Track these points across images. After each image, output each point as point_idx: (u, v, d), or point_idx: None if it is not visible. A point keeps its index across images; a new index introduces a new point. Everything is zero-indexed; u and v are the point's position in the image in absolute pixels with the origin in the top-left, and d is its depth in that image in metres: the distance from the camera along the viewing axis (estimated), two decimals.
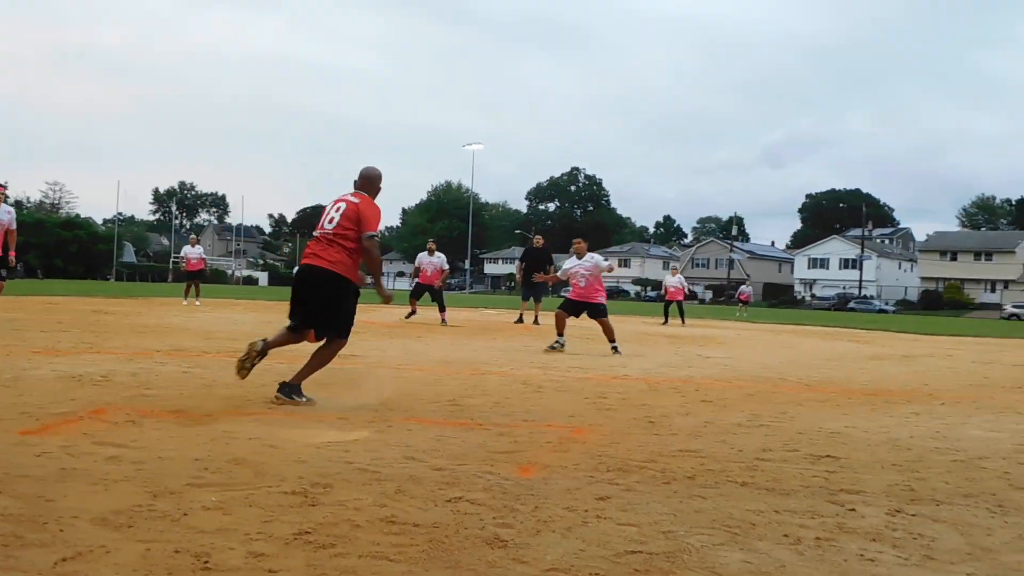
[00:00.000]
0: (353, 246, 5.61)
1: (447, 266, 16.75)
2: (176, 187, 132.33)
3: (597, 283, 11.02)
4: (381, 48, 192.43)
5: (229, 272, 75.10)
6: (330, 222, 5.71)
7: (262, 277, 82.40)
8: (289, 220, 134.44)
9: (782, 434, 5.14)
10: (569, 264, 11.17)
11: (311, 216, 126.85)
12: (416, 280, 16.70)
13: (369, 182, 5.99)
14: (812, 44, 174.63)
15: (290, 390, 5.49)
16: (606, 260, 11.61)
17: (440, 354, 9.75)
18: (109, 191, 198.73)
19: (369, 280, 5.96)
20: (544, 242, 17.93)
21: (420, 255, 16.87)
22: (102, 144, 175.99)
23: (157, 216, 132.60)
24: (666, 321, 22.04)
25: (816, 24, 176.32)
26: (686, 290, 24.00)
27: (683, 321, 21.82)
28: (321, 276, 5.57)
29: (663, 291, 23.68)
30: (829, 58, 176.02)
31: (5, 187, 11.43)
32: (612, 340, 10.78)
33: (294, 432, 4.51)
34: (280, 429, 4.58)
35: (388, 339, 11.75)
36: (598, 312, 10.90)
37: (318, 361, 5.73)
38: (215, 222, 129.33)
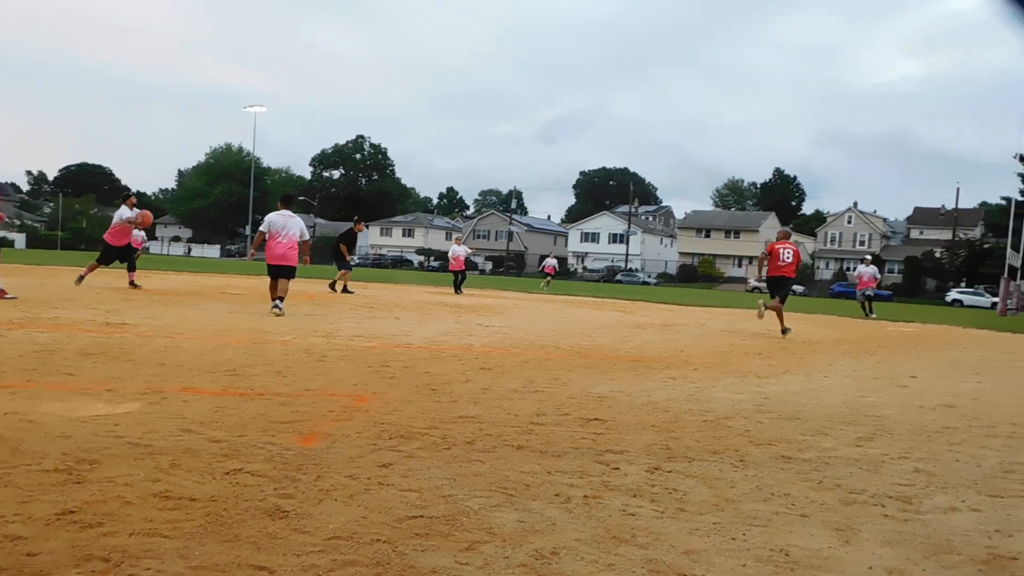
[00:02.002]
0: (797, 264, 12.77)
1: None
2: None
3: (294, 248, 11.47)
4: (155, 1, 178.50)
5: None
6: (787, 258, 12.55)
7: (19, 239, 74.04)
8: (51, 178, 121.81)
9: (555, 399, 5.44)
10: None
11: (76, 175, 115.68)
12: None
13: (787, 235, 13.41)
14: (590, 29, 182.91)
15: (785, 330, 12.47)
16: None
17: (218, 322, 9.35)
18: None
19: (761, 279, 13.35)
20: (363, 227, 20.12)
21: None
22: None
23: None
24: (456, 291, 22.30)
25: (596, 11, 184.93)
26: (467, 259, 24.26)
27: (459, 290, 22.30)
28: (790, 279, 12.67)
29: (451, 260, 23.62)
30: (603, 43, 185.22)
31: None
32: (281, 298, 11.16)
33: (56, 406, 4.19)
34: (41, 403, 4.24)
35: (162, 307, 11.08)
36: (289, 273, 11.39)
37: (781, 312, 12.61)
38: None
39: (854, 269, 24.60)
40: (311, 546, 2.45)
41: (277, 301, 11.00)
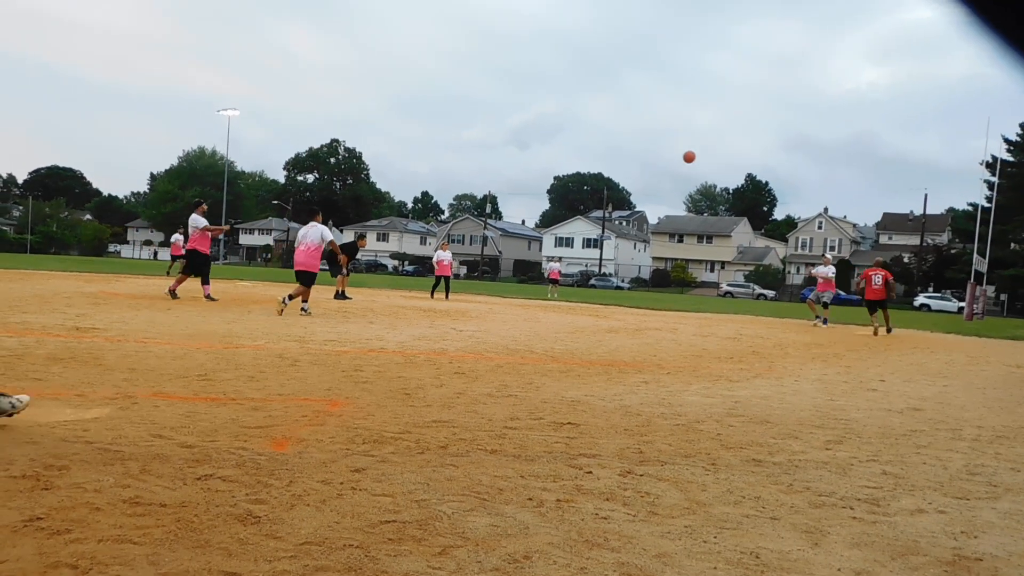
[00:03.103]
0: (886, 285, 16.48)
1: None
2: None
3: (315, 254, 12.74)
4: (126, 4, 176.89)
5: None
6: (878, 282, 16.37)
7: None
8: (20, 181, 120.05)
9: (528, 403, 5.45)
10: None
11: (46, 178, 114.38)
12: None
13: (878, 263, 16.84)
14: (558, 36, 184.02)
15: (889, 329, 16.67)
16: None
17: (189, 326, 9.26)
18: None
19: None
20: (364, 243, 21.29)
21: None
22: None
23: None
24: (433, 295, 22.30)
25: (563, 18, 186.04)
26: (454, 266, 24.17)
27: (447, 296, 22.25)
28: (882, 299, 16.39)
29: (436, 265, 23.51)
30: (575, 51, 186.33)
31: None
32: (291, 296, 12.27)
33: (24, 411, 4.12)
34: None
35: (132, 311, 10.96)
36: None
37: (889, 317, 16.74)
38: None
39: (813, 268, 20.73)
40: (283, 552, 2.44)
41: (286, 300, 11.98)
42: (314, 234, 12.55)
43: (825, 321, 19.40)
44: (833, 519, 3.17)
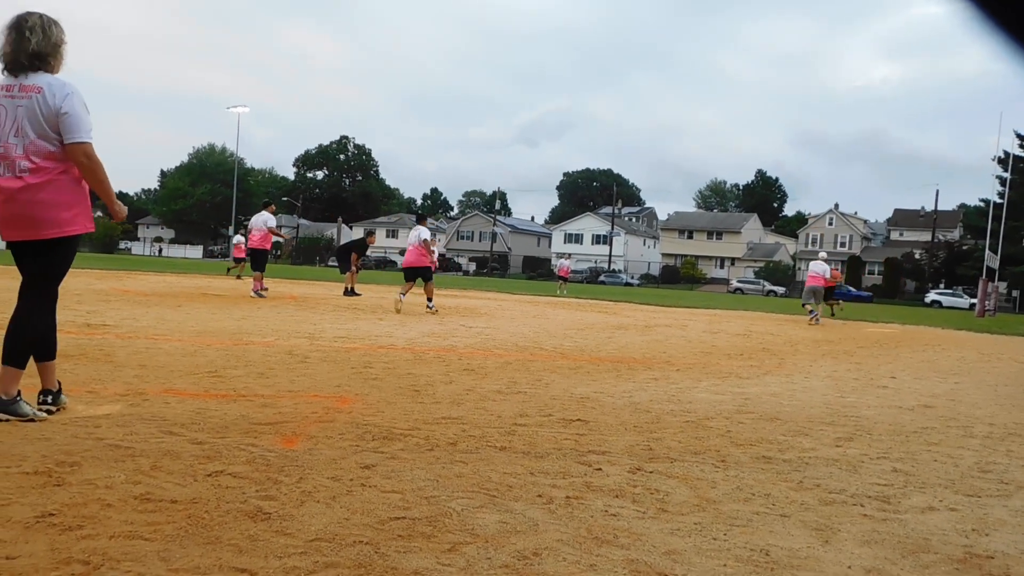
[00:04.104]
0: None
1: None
2: None
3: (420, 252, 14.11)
4: (130, 4, 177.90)
5: None
6: (828, 275, 18.71)
7: None
8: None
9: (537, 400, 5.45)
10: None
11: None
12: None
13: (824, 258, 19.44)
14: (567, 35, 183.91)
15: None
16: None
17: (199, 323, 9.30)
18: None
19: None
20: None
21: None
22: None
23: None
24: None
25: (572, 18, 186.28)
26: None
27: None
28: (832, 286, 20.01)
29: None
30: (582, 49, 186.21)
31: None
32: (430, 299, 14.03)
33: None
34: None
35: (143, 308, 11.00)
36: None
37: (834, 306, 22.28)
38: None
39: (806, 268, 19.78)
40: (293, 548, 2.45)
41: (402, 296, 13.63)
42: (414, 235, 14.18)
43: (816, 316, 18.35)
44: (843, 516, 3.16)
